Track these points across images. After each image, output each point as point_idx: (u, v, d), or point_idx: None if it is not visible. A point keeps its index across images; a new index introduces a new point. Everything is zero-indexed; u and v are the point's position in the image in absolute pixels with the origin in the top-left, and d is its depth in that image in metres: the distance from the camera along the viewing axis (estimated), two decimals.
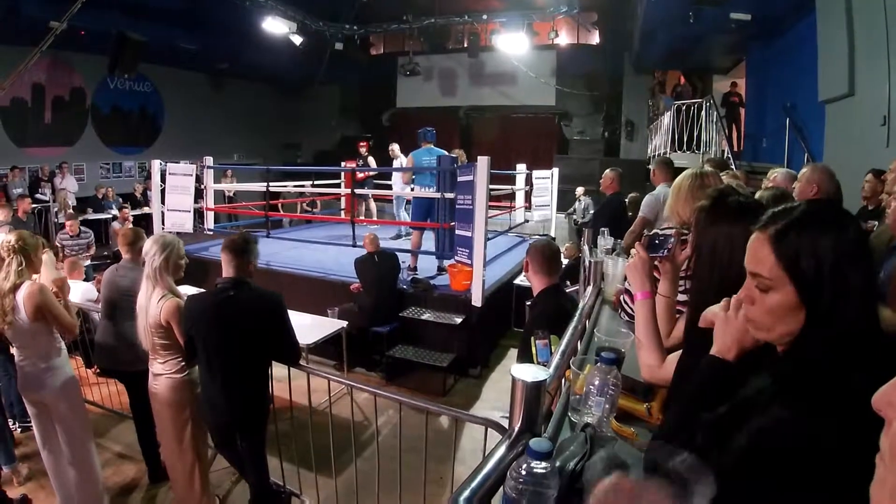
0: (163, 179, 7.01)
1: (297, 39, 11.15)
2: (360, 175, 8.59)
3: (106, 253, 8.25)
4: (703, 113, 8.47)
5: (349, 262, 5.43)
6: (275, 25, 10.59)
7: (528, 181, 9.34)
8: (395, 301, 5.38)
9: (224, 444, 2.68)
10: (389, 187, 8.63)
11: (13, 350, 2.87)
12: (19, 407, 3.55)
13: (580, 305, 2.13)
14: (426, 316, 5.27)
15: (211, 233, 7.68)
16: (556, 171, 9.65)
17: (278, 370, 2.73)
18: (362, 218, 8.64)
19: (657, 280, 1.44)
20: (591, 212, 8.36)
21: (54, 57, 10.24)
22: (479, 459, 0.98)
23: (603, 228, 2.95)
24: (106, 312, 3.29)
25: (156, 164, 7.06)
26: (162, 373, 2.65)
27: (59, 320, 2.67)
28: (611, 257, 2.48)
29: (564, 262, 4.71)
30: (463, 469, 2.68)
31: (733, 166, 6.06)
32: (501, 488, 0.85)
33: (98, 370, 3.89)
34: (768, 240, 0.80)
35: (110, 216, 10.12)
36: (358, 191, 8.06)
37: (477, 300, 5.10)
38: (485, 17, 11.78)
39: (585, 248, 3.19)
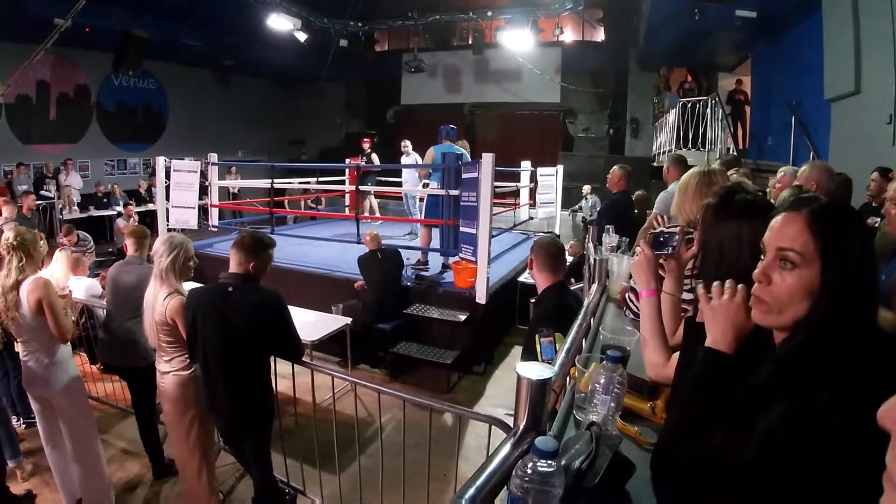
0: (167, 176, 7.02)
1: (302, 36, 11.14)
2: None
3: (111, 249, 8.29)
4: (708, 110, 8.43)
5: (353, 258, 5.43)
6: (279, 22, 10.59)
7: (533, 178, 9.29)
8: (399, 298, 5.38)
9: (231, 440, 2.69)
10: (396, 184, 8.60)
11: (17, 346, 2.87)
12: (22, 404, 3.58)
13: (585, 303, 2.13)
14: (430, 313, 5.27)
15: (215, 229, 7.71)
16: (560, 168, 9.61)
17: (282, 367, 2.74)
18: (366, 215, 8.64)
19: (663, 278, 1.42)
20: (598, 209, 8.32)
21: (59, 54, 10.25)
22: (482, 456, 0.98)
23: (608, 226, 2.93)
24: (109, 309, 3.30)
25: (160, 161, 7.06)
26: (168, 370, 2.66)
27: (56, 319, 2.64)
28: (616, 255, 2.47)
29: (569, 259, 4.70)
30: (467, 466, 2.69)
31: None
32: (506, 487, 0.85)
33: (101, 366, 3.91)
34: (804, 218, 0.81)
35: (115, 213, 10.16)
36: (362, 188, 8.05)
37: (481, 297, 5.10)
38: (490, 13, 11.74)
39: (590, 245, 3.18)
